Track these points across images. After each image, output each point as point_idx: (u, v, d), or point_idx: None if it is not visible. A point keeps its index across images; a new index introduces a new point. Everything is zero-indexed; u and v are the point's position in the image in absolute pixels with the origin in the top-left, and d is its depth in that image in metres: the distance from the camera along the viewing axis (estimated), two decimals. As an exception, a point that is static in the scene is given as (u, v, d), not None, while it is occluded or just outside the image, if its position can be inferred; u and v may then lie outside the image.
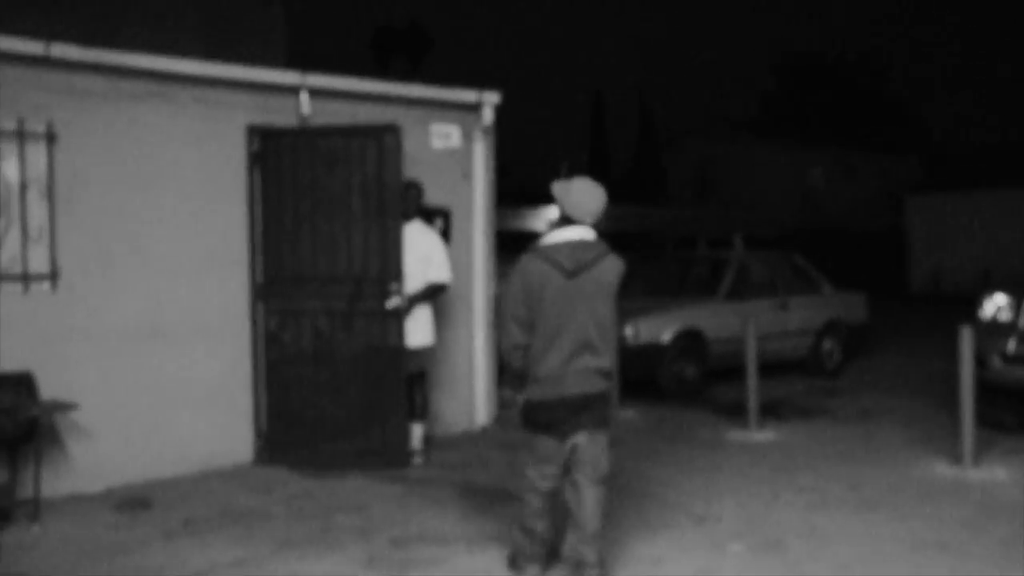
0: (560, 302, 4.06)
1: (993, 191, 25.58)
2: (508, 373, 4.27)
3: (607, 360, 4.16)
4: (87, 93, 5.90)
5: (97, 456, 5.85)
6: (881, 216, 30.76)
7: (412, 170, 6.69)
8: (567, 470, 4.11)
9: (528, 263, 4.14)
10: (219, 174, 6.44)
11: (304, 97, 6.69)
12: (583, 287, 4.09)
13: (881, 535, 4.91)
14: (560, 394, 4.06)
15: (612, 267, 4.21)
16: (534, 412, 4.11)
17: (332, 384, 6.51)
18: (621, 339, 8.67)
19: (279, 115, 6.66)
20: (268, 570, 4.48)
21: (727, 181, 32.98)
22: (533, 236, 4.98)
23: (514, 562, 4.37)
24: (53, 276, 5.77)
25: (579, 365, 4.08)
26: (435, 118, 7.40)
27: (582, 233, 4.19)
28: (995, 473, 6.12)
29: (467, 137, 7.57)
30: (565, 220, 4.21)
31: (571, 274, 4.09)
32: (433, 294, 6.60)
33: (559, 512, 4.22)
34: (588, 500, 4.09)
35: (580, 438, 4.07)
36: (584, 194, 4.21)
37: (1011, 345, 7.03)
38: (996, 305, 7.36)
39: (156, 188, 6.18)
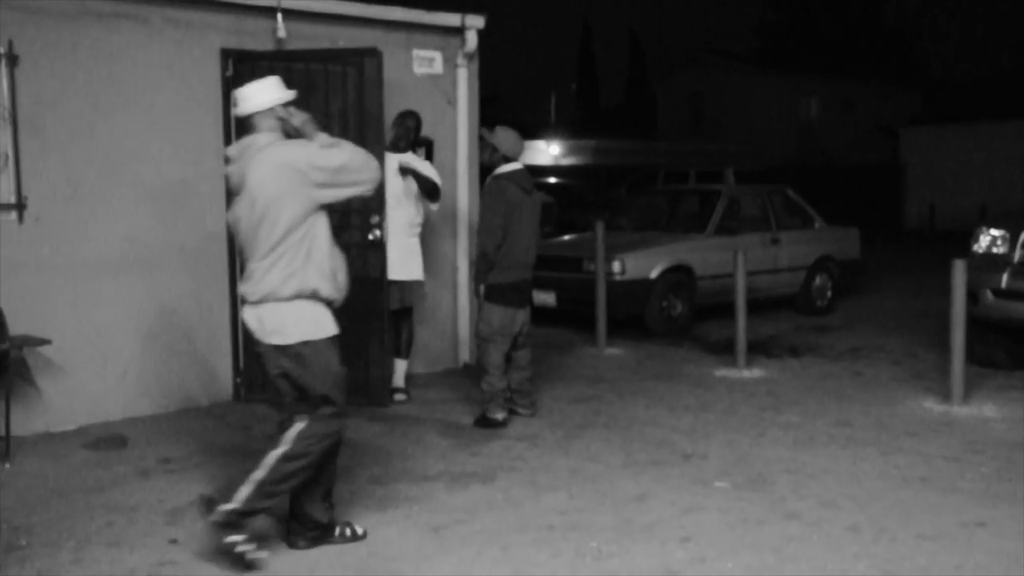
0: (523, 212, 5.67)
1: (991, 124, 25.26)
2: (479, 264, 5.69)
3: None
4: (50, 12, 5.61)
5: (70, 393, 5.72)
6: (877, 150, 30.51)
7: (393, 97, 6.46)
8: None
9: (505, 185, 5.66)
10: (192, 99, 6.19)
11: (280, 19, 6.40)
12: (534, 202, 5.80)
13: (867, 471, 4.85)
14: (524, 277, 5.79)
15: (540, 193, 6.10)
16: (504, 291, 5.68)
17: (312, 319, 6.36)
18: (608, 275, 8.55)
19: (254, 38, 6.38)
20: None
21: (720, 114, 32.57)
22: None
23: (484, 419, 5.74)
24: (20, 206, 5.56)
25: (531, 258, 5.80)
26: (417, 43, 7.13)
27: (519, 166, 5.77)
28: (984, 410, 6.07)
29: (450, 63, 7.31)
30: (506, 159, 5.73)
31: (528, 193, 5.77)
32: (428, 186, 6.36)
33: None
34: (527, 352, 5.94)
35: (526, 309, 5.84)
36: (511, 139, 5.73)
37: (1004, 279, 6.91)
38: (990, 239, 7.21)
39: (127, 114, 5.93)
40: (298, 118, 3.76)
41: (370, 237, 6.18)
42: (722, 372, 7.38)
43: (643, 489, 4.61)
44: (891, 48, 40.39)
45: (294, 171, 3.61)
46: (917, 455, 5.13)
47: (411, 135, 6.38)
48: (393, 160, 6.27)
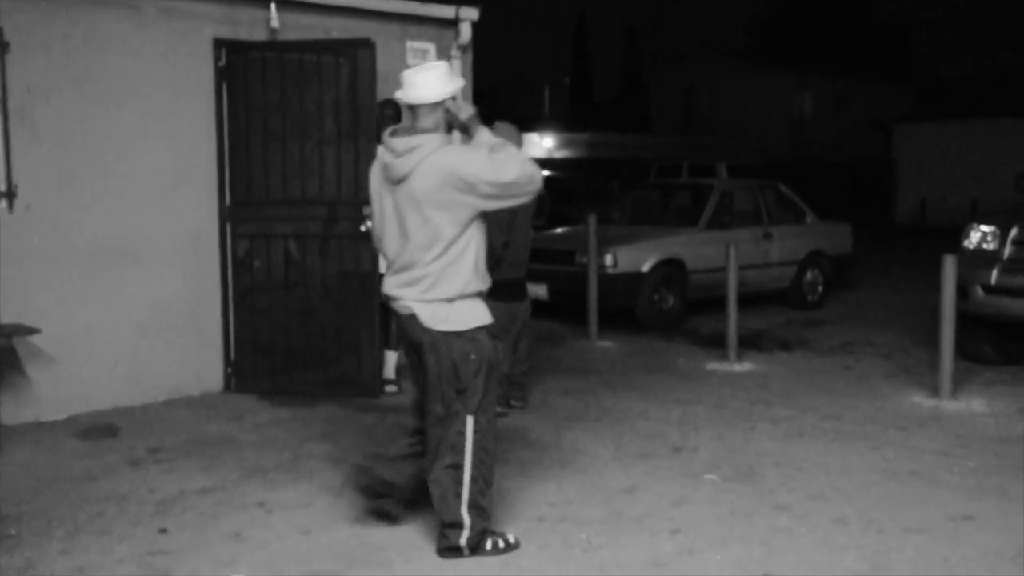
0: (523, 209, 5.43)
1: (983, 121, 25.35)
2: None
3: None
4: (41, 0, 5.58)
5: (60, 383, 5.71)
6: (869, 146, 30.58)
7: (386, 89, 6.43)
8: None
9: None
10: (185, 89, 6.16)
11: (273, 9, 6.38)
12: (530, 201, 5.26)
13: (855, 465, 4.88)
14: (523, 275, 5.98)
15: None
16: (509, 287, 5.71)
17: (304, 311, 6.37)
18: (600, 268, 8.56)
19: (248, 28, 6.36)
20: (237, 498, 4.39)
21: (713, 108, 32.58)
22: None
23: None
24: (10, 195, 5.54)
25: (528, 254, 5.95)
26: (411, 34, 7.11)
27: None
28: (972, 404, 6.10)
29: (444, 55, 7.29)
30: None
31: None
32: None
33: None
34: (526, 343, 6.14)
35: (526, 301, 6.06)
36: (512, 134, 5.43)
37: (994, 275, 6.94)
38: (980, 235, 7.24)
39: (118, 103, 5.91)
40: (465, 112, 3.66)
41: (362, 228, 6.17)
42: (713, 365, 7.40)
43: (633, 481, 4.62)
44: (884, 45, 40.47)
45: (463, 182, 3.51)
46: (906, 449, 5.16)
47: (391, 123, 6.34)
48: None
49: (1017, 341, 7.33)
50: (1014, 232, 7.03)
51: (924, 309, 9.27)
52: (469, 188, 3.51)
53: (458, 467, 3.66)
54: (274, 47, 6.35)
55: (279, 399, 6.17)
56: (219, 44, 6.24)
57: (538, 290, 9.02)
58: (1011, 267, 6.91)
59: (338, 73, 6.20)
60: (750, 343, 8.12)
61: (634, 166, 21.00)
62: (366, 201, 6.09)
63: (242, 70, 6.27)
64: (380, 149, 3.72)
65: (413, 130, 3.62)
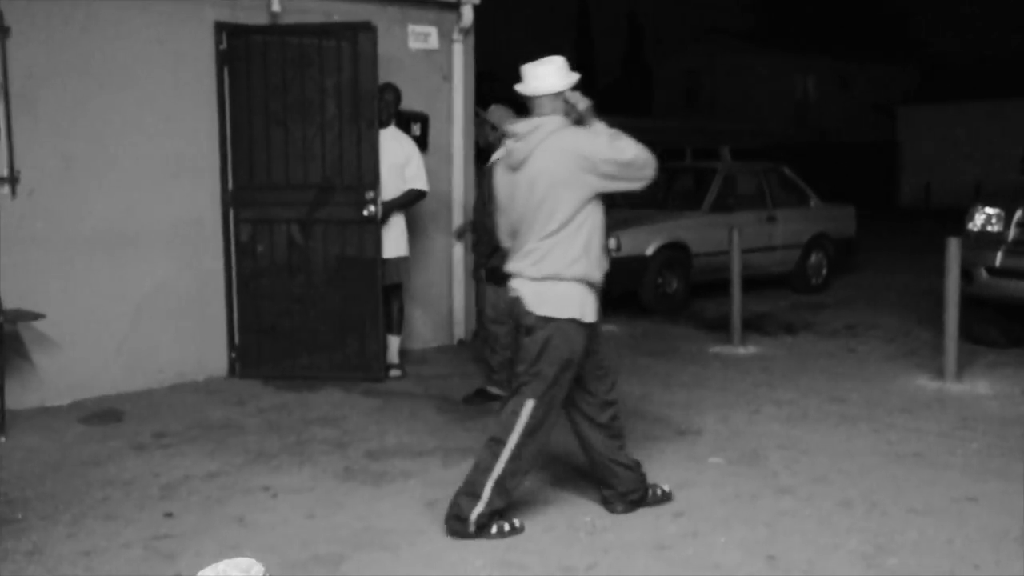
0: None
1: (987, 103, 25.22)
2: (482, 248, 5.62)
3: None
4: (41, -15, 5.56)
5: (65, 368, 5.72)
6: (874, 128, 30.44)
7: (388, 73, 6.41)
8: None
9: None
10: (186, 74, 6.15)
11: (275, -8, 6.35)
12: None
13: (860, 447, 4.88)
14: None
15: None
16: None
17: (307, 295, 6.37)
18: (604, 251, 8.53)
19: (248, 12, 6.34)
20: (241, 482, 4.41)
21: (717, 91, 32.43)
22: None
23: (483, 392, 5.73)
24: (12, 180, 5.53)
25: None
26: (412, 18, 7.07)
27: None
28: (976, 387, 6.10)
29: (446, 38, 7.26)
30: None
31: None
32: (410, 202, 6.40)
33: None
34: None
35: None
36: (511, 118, 4.94)
37: (998, 258, 6.91)
38: (985, 217, 7.21)
39: (120, 88, 5.89)
40: (583, 103, 3.74)
41: (365, 213, 6.16)
42: (717, 349, 7.40)
43: (637, 464, 4.62)
44: (888, 26, 40.21)
45: (584, 159, 3.62)
46: (910, 431, 5.16)
47: (391, 108, 6.32)
48: (382, 136, 6.22)
49: (1022, 323, 7.32)
50: (1019, 214, 7.00)
51: (928, 292, 9.24)
52: (591, 166, 3.62)
53: (500, 443, 3.71)
54: (275, 31, 6.32)
55: (283, 384, 6.18)
56: (220, 28, 6.22)
57: (541, 274, 9.00)
58: (1016, 249, 6.89)
59: (339, 57, 6.17)
60: (754, 326, 8.11)
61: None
62: (369, 185, 6.16)
63: (243, 54, 6.24)
64: (505, 147, 3.88)
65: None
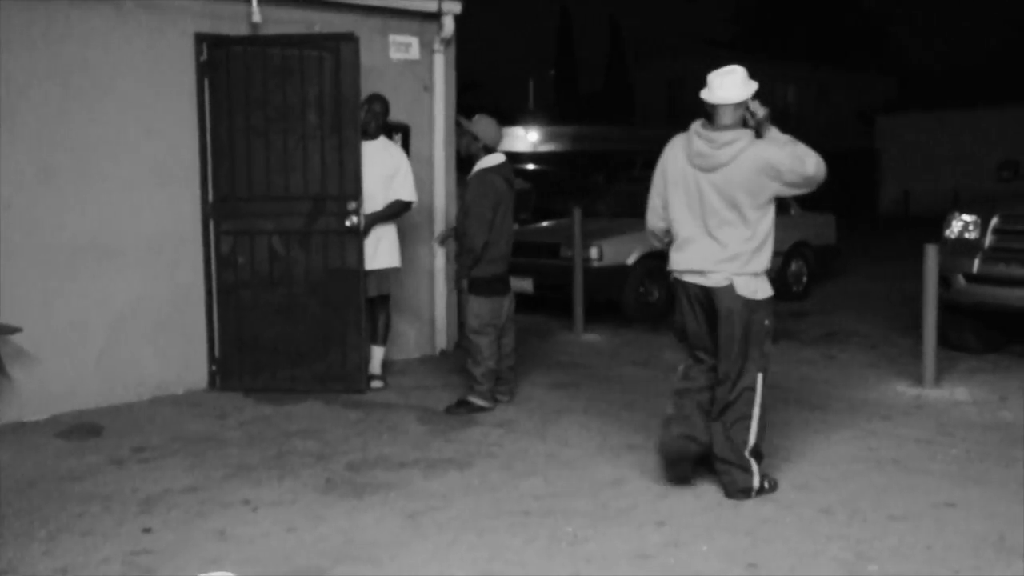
0: (507, 205, 5.73)
1: (966, 111, 25.47)
2: (464, 259, 5.71)
3: None
4: (20, -5, 5.53)
5: (42, 382, 5.67)
6: (853, 136, 30.67)
7: (369, 83, 6.41)
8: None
9: (494, 179, 5.68)
10: (166, 85, 6.12)
11: (255, 3, 6.33)
12: (513, 193, 5.84)
13: (840, 454, 4.91)
14: (506, 269, 5.84)
15: (517, 180, 6.29)
16: (492, 282, 5.75)
17: (289, 307, 6.34)
18: (585, 260, 8.56)
19: (229, 23, 6.31)
20: (222, 496, 4.38)
21: (698, 99, 32.56)
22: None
23: (465, 403, 5.76)
24: (-11, 193, 5.49)
25: (510, 249, 5.87)
26: (393, 28, 7.07)
27: (503, 157, 5.81)
28: (955, 393, 6.14)
29: (427, 48, 7.27)
30: (487, 149, 5.74)
31: (511, 185, 5.81)
32: (396, 214, 6.40)
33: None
34: (512, 338, 6.01)
35: (510, 295, 5.95)
36: (491, 128, 5.74)
37: (975, 264, 6.98)
38: (962, 224, 7.28)
39: (100, 99, 5.85)
40: (761, 112, 4.20)
41: (347, 224, 6.15)
42: (698, 357, 7.41)
43: (619, 474, 4.63)
44: (867, 36, 40.59)
45: (775, 170, 4.14)
46: (890, 438, 5.19)
47: (380, 119, 6.33)
48: (366, 147, 6.23)
49: (999, 329, 7.39)
50: (995, 221, 7.07)
51: (908, 299, 9.32)
52: (777, 175, 4.15)
53: (747, 417, 4.24)
54: (256, 41, 6.31)
55: (264, 396, 6.15)
56: (200, 39, 6.20)
57: (524, 284, 9.01)
58: (992, 256, 6.96)
59: (321, 67, 6.17)
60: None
61: (619, 159, 21.01)
62: (351, 196, 6.15)
63: (224, 65, 6.22)
64: (688, 138, 4.28)
65: (721, 126, 4.19)
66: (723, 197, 4.17)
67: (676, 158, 4.30)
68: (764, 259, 4.28)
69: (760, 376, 4.28)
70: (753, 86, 4.21)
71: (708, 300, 4.28)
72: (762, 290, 4.31)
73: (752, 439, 4.25)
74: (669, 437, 4.37)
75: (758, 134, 4.21)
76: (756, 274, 4.25)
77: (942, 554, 3.66)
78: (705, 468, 4.45)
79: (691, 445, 4.33)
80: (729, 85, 4.18)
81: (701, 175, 4.21)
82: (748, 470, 4.23)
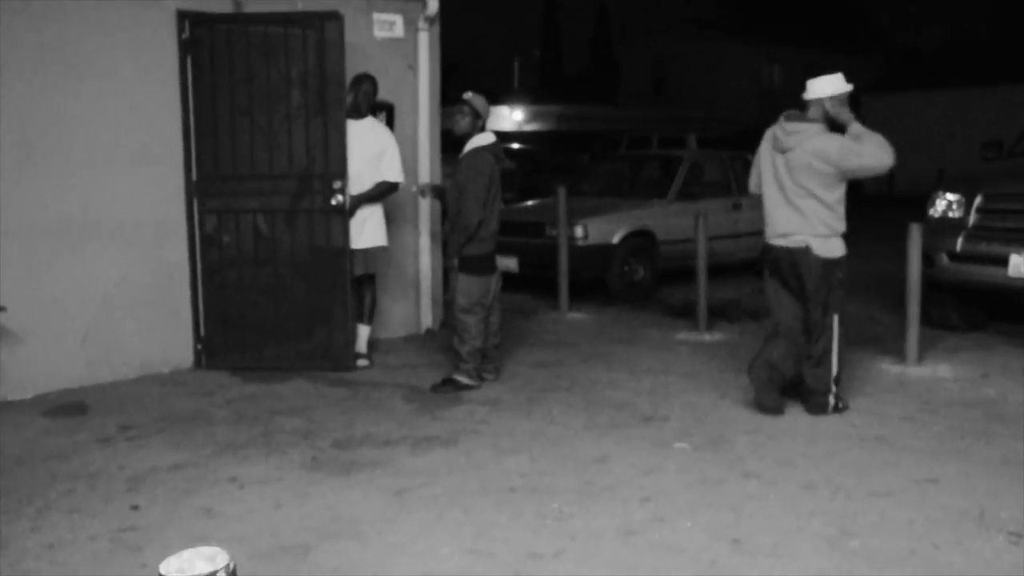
0: (498, 183, 5.78)
1: (949, 90, 25.57)
2: (457, 236, 5.70)
3: None
4: (-3, -28, 5.46)
5: (27, 361, 5.64)
6: (837, 117, 30.69)
7: (353, 62, 6.37)
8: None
9: (487, 157, 5.73)
10: (149, 63, 6.06)
11: (238, -20, 6.28)
12: (499, 172, 5.89)
13: (824, 431, 4.96)
14: (494, 248, 5.86)
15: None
16: (483, 261, 5.78)
17: (274, 286, 6.33)
18: (571, 239, 8.57)
19: (212, 0, 6.25)
20: (208, 473, 4.38)
21: (683, 79, 32.58)
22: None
23: (451, 381, 5.79)
24: (-30, 172, 5.43)
25: (498, 227, 5.88)
26: (377, 6, 7.02)
27: (493, 136, 5.91)
28: (938, 370, 6.21)
29: (411, 27, 7.22)
30: (483, 128, 5.85)
31: (501, 163, 5.85)
32: (383, 194, 6.38)
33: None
34: (498, 316, 6.06)
35: (498, 274, 5.96)
36: (486, 106, 5.85)
37: (959, 243, 7.03)
38: (946, 203, 7.33)
39: (80, 77, 5.79)
40: (845, 115, 5.05)
41: (332, 202, 6.13)
42: (683, 336, 7.47)
43: (604, 451, 4.67)
44: (852, 15, 40.57)
45: (828, 160, 4.98)
46: (873, 415, 5.24)
47: (369, 99, 6.30)
48: (354, 127, 6.20)
49: (981, 308, 7.46)
50: (978, 200, 7.12)
51: (892, 278, 9.37)
52: (832, 164, 4.98)
53: (828, 351, 5.17)
54: (239, 19, 6.25)
55: (250, 375, 6.15)
56: (183, 16, 6.14)
57: (509, 263, 9.02)
58: (975, 235, 7.01)
59: (305, 45, 6.12)
60: (720, 313, 8.19)
61: (604, 138, 20.98)
62: (336, 175, 6.13)
63: (207, 43, 6.17)
64: (774, 129, 5.23)
65: (802, 117, 5.13)
66: (791, 175, 5.06)
67: (767, 139, 5.27)
68: (836, 224, 5.11)
69: (836, 318, 5.15)
70: (839, 87, 5.08)
71: (792, 260, 5.14)
72: (837, 249, 5.14)
73: (834, 368, 5.17)
74: (755, 367, 5.25)
75: (840, 129, 5.01)
76: (829, 236, 5.09)
77: (924, 529, 3.71)
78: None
79: (773, 373, 5.20)
80: (814, 86, 5.12)
81: (777, 155, 5.16)
82: (827, 392, 5.20)
